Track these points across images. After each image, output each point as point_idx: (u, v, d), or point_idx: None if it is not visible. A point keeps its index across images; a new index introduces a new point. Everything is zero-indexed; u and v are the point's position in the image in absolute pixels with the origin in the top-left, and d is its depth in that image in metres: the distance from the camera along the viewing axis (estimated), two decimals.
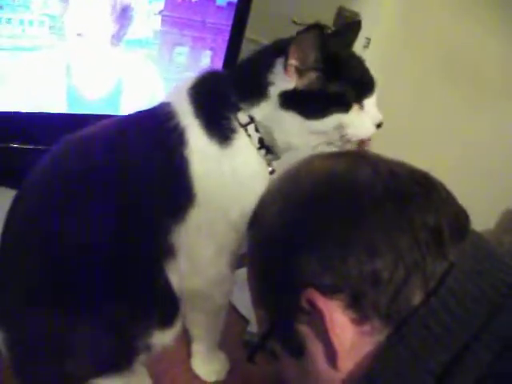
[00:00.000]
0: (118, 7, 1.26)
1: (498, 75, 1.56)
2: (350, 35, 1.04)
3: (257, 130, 0.96)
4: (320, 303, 0.59)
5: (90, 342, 0.95)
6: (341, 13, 1.74)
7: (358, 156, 0.73)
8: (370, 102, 0.96)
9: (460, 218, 0.63)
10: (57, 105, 1.33)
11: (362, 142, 0.99)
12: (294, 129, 0.95)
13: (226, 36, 1.42)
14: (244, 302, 1.32)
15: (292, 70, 0.92)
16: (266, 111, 0.95)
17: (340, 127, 0.95)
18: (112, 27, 1.28)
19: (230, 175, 0.94)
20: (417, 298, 0.58)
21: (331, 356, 0.61)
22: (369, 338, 0.60)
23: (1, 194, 1.25)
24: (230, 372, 1.19)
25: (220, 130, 0.94)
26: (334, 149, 0.97)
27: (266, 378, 1.18)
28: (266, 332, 0.69)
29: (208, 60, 1.44)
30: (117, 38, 1.30)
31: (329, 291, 0.59)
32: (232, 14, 1.39)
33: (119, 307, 0.94)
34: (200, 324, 1.10)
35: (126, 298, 0.94)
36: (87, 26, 1.26)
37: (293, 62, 0.91)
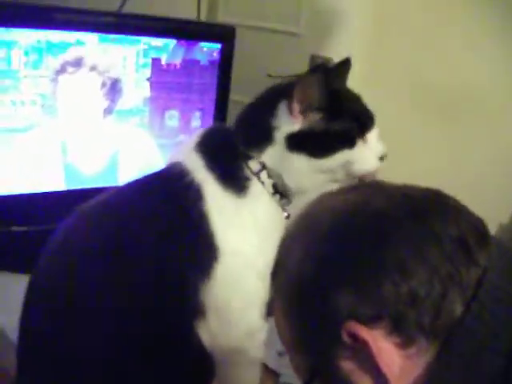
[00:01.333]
0: (108, 82, 1.28)
1: (461, 92, 1.61)
2: (342, 72, 1.06)
3: (269, 176, 0.96)
4: (363, 334, 0.57)
5: None
6: (314, 60, 1.80)
7: (367, 186, 0.74)
8: (372, 136, 0.98)
9: (479, 225, 0.63)
10: (55, 183, 1.32)
11: (365, 177, 1.00)
12: (302, 170, 0.96)
13: (213, 95, 1.45)
14: (271, 354, 1.29)
15: (297, 111, 0.94)
16: (274, 156, 0.96)
17: (347, 163, 0.96)
18: (103, 101, 1.29)
19: (250, 224, 0.94)
20: (458, 309, 0.57)
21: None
22: (417, 359, 0.58)
23: (2, 278, 1.23)
24: None
25: (234, 180, 0.95)
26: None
27: None
28: (308, 378, 0.66)
29: (198, 121, 1.46)
30: (108, 110, 1.31)
31: (369, 320, 0.58)
32: (215, 71, 1.42)
33: (154, 377, 0.91)
34: (236, 382, 1.06)
35: (159, 366, 0.91)
36: (79, 102, 1.27)
37: (298, 103, 0.93)
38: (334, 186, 0.96)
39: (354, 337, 0.58)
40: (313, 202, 0.71)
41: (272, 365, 1.29)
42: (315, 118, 0.95)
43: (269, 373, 1.27)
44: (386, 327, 0.58)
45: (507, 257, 0.61)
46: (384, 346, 0.57)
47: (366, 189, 0.70)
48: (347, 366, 0.61)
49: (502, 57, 1.54)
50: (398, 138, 1.65)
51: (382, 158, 0.99)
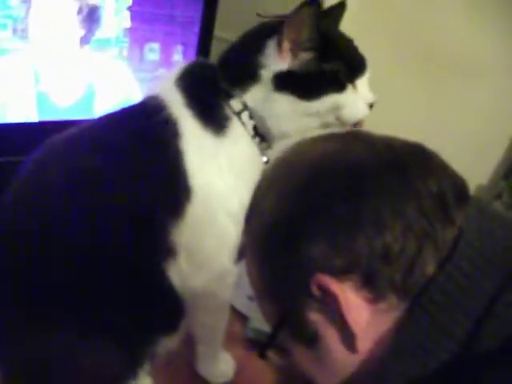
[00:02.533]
0: (85, 8, 1.21)
1: (446, 52, 1.57)
2: (336, 16, 1.02)
3: (251, 118, 0.93)
4: (333, 287, 0.56)
5: (94, 355, 0.91)
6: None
7: (349, 134, 0.71)
8: (362, 83, 0.95)
9: (460, 183, 0.62)
10: (27, 113, 1.26)
11: (356, 125, 0.98)
12: (287, 112, 0.92)
13: (197, 29, 1.39)
14: (240, 298, 1.29)
15: (287, 50, 0.90)
16: (258, 96, 0.92)
17: (335, 108, 0.93)
18: (80, 29, 1.23)
19: (226, 165, 0.91)
20: (430, 267, 0.56)
21: (348, 339, 0.59)
22: (385, 315, 0.57)
23: None
24: (235, 372, 1.16)
25: (214, 118, 0.91)
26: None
27: (272, 377, 1.16)
28: (276, 325, 0.66)
29: (180, 56, 1.40)
30: (85, 39, 1.24)
31: (340, 273, 0.56)
32: (200, 5, 1.36)
33: (124, 318, 0.91)
34: (204, 324, 1.06)
35: (129, 307, 0.91)
36: (53, 28, 1.20)
37: (287, 41, 0.89)
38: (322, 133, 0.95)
39: (323, 289, 0.57)
40: (292, 148, 0.69)
41: (241, 309, 1.30)
42: (305, 57, 0.91)
43: (238, 316, 1.28)
44: (356, 281, 0.56)
45: (484, 218, 0.60)
46: (353, 301, 0.57)
47: (348, 137, 0.67)
48: (315, 317, 0.60)
49: (489, 18, 1.50)
50: (381, 88, 1.64)
51: (371, 106, 0.97)
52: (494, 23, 1.49)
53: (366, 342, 0.58)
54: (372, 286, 0.56)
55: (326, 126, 0.96)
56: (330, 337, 0.60)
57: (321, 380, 0.66)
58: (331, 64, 0.91)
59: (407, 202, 0.57)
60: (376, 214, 0.56)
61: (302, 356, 0.66)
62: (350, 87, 0.93)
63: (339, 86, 0.92)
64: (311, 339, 0.62)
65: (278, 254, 0.62)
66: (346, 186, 0.59)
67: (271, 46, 0.91)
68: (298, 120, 0.94)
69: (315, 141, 0.69)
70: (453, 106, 1.61)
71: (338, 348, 0.60)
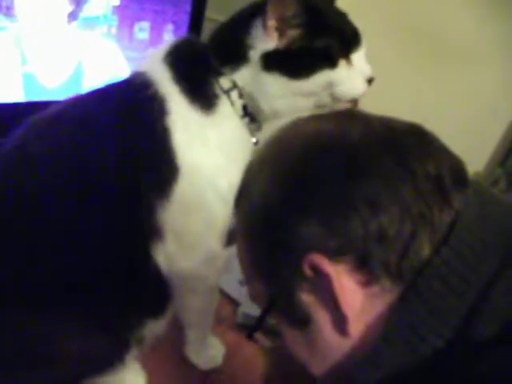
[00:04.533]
0: None
1: (442, 39, 1.55)
2: None
3: (240, 97, 0.90)
4: (326, 267, 0.55)
5: (80, 340, 0.90)
6: None
7: (346, 113, 0.68)
8: (358, 57, 0.92)
9: (458, 166, 0.60)
10: (13, 93, 1.23)
11: (354, 102, 0.95)
12: (278, 92, 0.90)
13: (188, 8, 1.35)
14: (231, 283, 1.28)
15: (272, 28, 0.87)
16: (248, 76, 0.90)
17: (329, 85, 0.90)
18: (67, 6, 1.19)
19: (214, 144, 0.88)
20: (426, 251, 0.54)
21: (339, 322, 0.57)
22: (379, 299, 0.56)
23: None
24: (225, 357, 1.14)
25: (202, 96, 0.89)
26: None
27: (263, 361, 1.15)
28: (266, 305, 0.64)
29: (171, 35, 1.37)
30: (73, 16, 1.21)
31: (334, 255, 0.55)
32: None
33: (108, 299, 0.89)
34: (192, 308, 1.03)
35: (114, 288, 0.89)
36: (39, 4, 1.16)
37: (272, 20, 0.86)
38: (320, 112, 0.92)
39: (316, 270, 0.56)
40: (285, 127, 0.67)
41: (232, 294, 1.28)
42: (293, 35, 0.87)
43: (228, 302, 1.27)
44: (350, 263, 0.55)
45: (483, 201, 0.58)
46: (346, 282, 0.55)
47: (344, 116, 0.66)
48: (306, 298, 0.59)
49: (487, 5, 1.48)
50: (379, 75, 1.62)
51: (369, 81, 0.94)
52: (492, 11, 1.47)
53: (357, 327, 0.57)
54: (366, 268, 0.55)
55: (321, 104, 0.93)
56: (322, 319, 0.59)
57: (311, 364, 0.64)
58: (322, 40, 0.88)
59: (404, 183, 0.55)
60: (372, 194, 0.55)
61: (292, 339, 0.65)
62: (343, 63, 0.90)
63: (331, 62, 0.89)
64: (302, 321, 0.60)
65: (270, 235, 0.61)
66: (341, 165, 0.58)
67: (257, 26, 0.88)
68: (290, 99, 0.91)
69: (309, 119, 0.67)
70: (450, 92, 1.60)
71: (329, 331, 0.59)
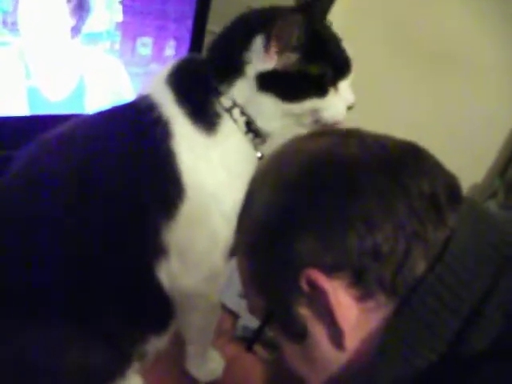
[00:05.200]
0: None
1: (441, 50, 1.57)
2: (325, 7, 0.99)
3: (242, 114, 0.92)
4: (323, 283, 0.56)
5: (82, 354, 0.91)
6: None
7: (342, 132, 0.70)
8: (344, 84, 0.94)
9: (452, 183, 0.61)
10: (17, 107, 1.25)
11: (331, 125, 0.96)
12: (271, 111, 0.91)
13: (190, 24, 1.37)
14: (231, 296, 1.29)
15: (273, 52, 0.88)
16: (243, 92, 0.91)
17: (315, 111, 0.92)
18: (70, 20, 1.21)
19: (219, 163, 0.90)
20: (420, 267, 0.55)
21: (336, 336, 0.59)
22: (374, 314, 0.57)
23: None
24: (225, 370, 1.16)
25: (205, 116, 0.90)
26: (304, 130, 0.94)
27: (262, 374, 1.16)
28: (264, 319, 0.66)
29: (173, 50, 1.38)
30: (75, 30, 1.23)
31: (330, 270, 0.56)
32: (194, 0, 1.34)
33: (111, 314, 0.90)
34: (194, 325, 1.05)
35: (117, 304, 0.90)
36: (42, 19, 1.18)
37: (276, 42, 0.87)
38: (300, 131, 0.94)
39: (313, 285, 0.57)
40: (285, 144, 0.69)
41: (232, 307, 1.29)
42: (291, 58, 0.88)
43: (228, 314, 1.28)
44: (346, 279, 0.56)
45: (477, 219, 0.60)
46: (342, 298, 0.57)
47: (342, 135, 0.67)
48: (303, 312, 0.60)
49: (488, 17, 1.49)
50: (376, 84, 1.63)
51: (349, 108, 0.96)
52: (492, 20, 1.48)
53: (353, 341, 0.58)
54: (361, 284, 0.56)
55: (301, 125, 0.95)
56: (319, 333, 0.60)
57: (309, 377, 0.66)
58: (316, 66, 0.90)
59: (398, 201, 0.56)
60: (367, 212, 0.56)
61: (290, 352, 0.66)
62: (331, 90, 0.92)
63: (322, 90, 0.91)
64: (300, 335, 0.62)
65: (269, 249, 0.62)
66: (337, 183, 0.59)
67: (258, 43, 0.89)
68: (278, 119, 0.93)
69: (309, 137, 0.69)
70: (448, 103, 1.60)
71: (326, 345, 0.60)
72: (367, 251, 0.55)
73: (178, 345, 1.10)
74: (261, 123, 0.93)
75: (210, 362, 1.13)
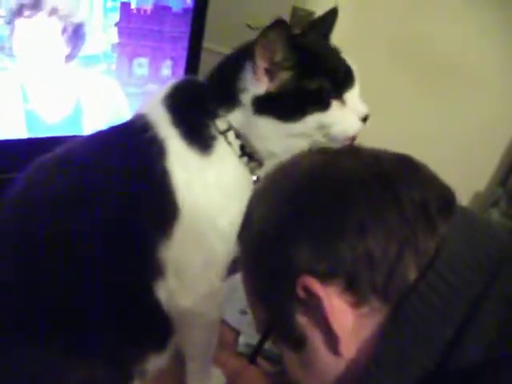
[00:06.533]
0: (70, 27, 1.21)
1: (441, 59, 1.58)
2: (328, 23, 1.00)
3: (238, 137, 0.92)
4: (317, 289, 0.58)
5: (82, 373, 0.91)
6: (295, 13, 1.73)
7: (342, 148, 0.73)
8: (351, 95, 0.91)
9: (446, 194, 0.63)
10: (16, 130, 1.26)
11: (352, 139, 0.94)
12: (270, 134, 0.91)
13: (185, 44, 1.39)
14: (232, 313, 1.29)
15: (262, 73, 0.88)
16: (241, 118, 0.91)
17: (322, 127, 0.90)
18: (65, 48, 1.23)
19: (213, 184, 0.90)
20: (412, 274, 0.57)
21: (332, 343, 0.60)
22: (369, 319, 0.59)
23: None
24: None
25: (199, 138, 0.90)
26: None
27: None
28: (266, 329, 0.68)
29: (169, 70, 1.40)
30: (70, 57, 1.24)
31: (324, 278, 0.58)
32: (189, 20, 1.36)
33: (111, 336, 0.90)
34: (194, 342, 1.05)
35: (117, 325, 0.90)
36: (37, 48, 1.20)
37: (261, 63, 0.87)
38: None
39: (309, 291, 0.59)
40: (282, 162, 0.71)
41: (233, 323, 1.29)
42: (284, 77, 0.89)
43: (230, 331, 1.28)
44: (340, 285, 0.58)
45: (470, 228, 0.61)
46: (337, 304, 0.58)
47: (340, 150, 0.70)
48: (301, 320, 0.62)
49: (490, 26, 1.50)
50: (382, 98, 1.64)
51: (364, 120, 0.93)
52: (493, 33, 1.49)
53: (350, 346, 0.59)
54: (355, 289, 0.58)
55: (315, 144, 0.93)
56: (316, 340, 0.62)
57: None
58: (313, 81, 0.89)
59: (389, 209, 0.58)
60: (359, 220, 0.58)
61: (291, 361, 0.68)
62: (336, 103, 0.90)
63: (323, 103, 0.89)
64: (299, 343, 0.63)
65: (267, 260, 0.65)
66: (333, 195, 0.61)
67: (248, 70, 0.89)
68: (283, 141, 0.92)
69: (304, 156, 0.71)
70: (449, 112, 1.61)
71: (324, 351, 0.61)
72: (359, 257, 0.57)
73: (179, 361, 1.10)
74: (261, 146, 0.93)
75: (211, 379, 1.13)
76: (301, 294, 0.60)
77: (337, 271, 0.58)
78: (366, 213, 0.58)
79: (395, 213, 0.58)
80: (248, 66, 0.89)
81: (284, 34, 0.86)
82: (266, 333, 0.68)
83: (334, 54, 0.95)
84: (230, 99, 0.92)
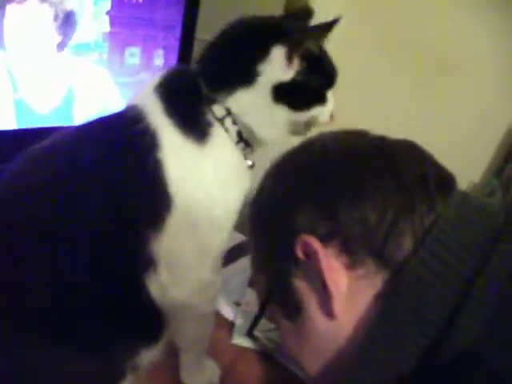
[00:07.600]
0: (61, 14, 1.19)
1: (437, 51, 1.58)
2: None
3: (234, 123, 0.90)
4: (316, 247, 0.61)
5: (73, 368, 0.90)
6: (290, 3, 1.72)
7: (349, 130, 0.75)
8: (330, 93, 0.96)
9: (445, 174, 0.65)
10: (5, 121, 1.24)
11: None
12: (280, 121, 0.91)
13: (178, 33, 1.37)
14: (227, 304, 1.28)
15: (296, 62, 0.88)
16: (245, 101, 0.89)
17: (314, 117, 0.94)
18: (56, 35, 1.21)
19: (210, 173, 0.88)
20: (407, 242, 0.59)
21: (327, 303, 0.62)
22: (364, 281, 0.60)
23: None
24: (221, 378, 1.15)
25: (195, 126, 0.88)
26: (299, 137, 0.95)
27: (258, 381, 1.16)
28: (265, 297, 0.71)
29: (161, 60, 1.38)
30: (61, 46, 1.22)
31: (323, 239, 0.62)
32: (182, 9, 1.34)
33: (102, 329, 0.89)
34: (187, 335, 1.04)
35: (108, 318, 0.89)
36: (28, 36, 1.18)
37: (299, 53, 0.88)
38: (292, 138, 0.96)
39: (307, 253, 0.62)
40: (296, 145, 0.76)
41: (228, 315, 1.28)
42: (301, 67, 0.89)
43: (224, 323, 1.27)
44: (336, 246, 0.61)
45: (467, 207, 0.62)
46: (333, 264, 0.61)
47: (351, 131, 0.74)
48: (299, 284, 0.65)
49: (483, 18, 1.50)
50: (378, 89, 1.64)
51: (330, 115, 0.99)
52: (490, 22, 1.49)
53: (344, 309, 0.61)
54: (350, 251, 0.61)
55: (297, 131, 0.95)
56: (312, 304, 0.64)
57: (306, 361, 0.69)
58: (316, 76, 0.91)
59: (388, 176, 0.62)
60: (357, 186, 0.62)
61: (287, 332, 0.70)
62: (328, 97, 0.95)
63: (323, 98, 0.93)
64: (296, 310, 0.66)
65: (272, 222, 0.70)
66: (335, 164, 0.66)
67: (276, 54, 0.87)
68: (281, 128, 0.93)
69: (319, 136, 0.75)
70: (445, 103, 1.61)
71: (319, 318, 0.64)
72: (356, 220, 0.60)
73: (173, 354, 1.09)
74: (263, 133, 0.92)
75: (205, 371, 1.12)
76: (300, 254, 0.63)
77: (334, 234, 0.61)
78: (365, 179, 0.62)
79: (394, 180, 0.61)
80: (277, 51, 0.87)
81: (320, 34, 0.90)
82: (265, 300, 0.71)
83: (328, 55, 0.96)
84: (237, 80, 0.89)
